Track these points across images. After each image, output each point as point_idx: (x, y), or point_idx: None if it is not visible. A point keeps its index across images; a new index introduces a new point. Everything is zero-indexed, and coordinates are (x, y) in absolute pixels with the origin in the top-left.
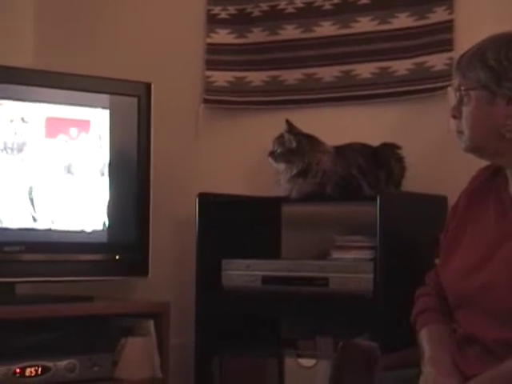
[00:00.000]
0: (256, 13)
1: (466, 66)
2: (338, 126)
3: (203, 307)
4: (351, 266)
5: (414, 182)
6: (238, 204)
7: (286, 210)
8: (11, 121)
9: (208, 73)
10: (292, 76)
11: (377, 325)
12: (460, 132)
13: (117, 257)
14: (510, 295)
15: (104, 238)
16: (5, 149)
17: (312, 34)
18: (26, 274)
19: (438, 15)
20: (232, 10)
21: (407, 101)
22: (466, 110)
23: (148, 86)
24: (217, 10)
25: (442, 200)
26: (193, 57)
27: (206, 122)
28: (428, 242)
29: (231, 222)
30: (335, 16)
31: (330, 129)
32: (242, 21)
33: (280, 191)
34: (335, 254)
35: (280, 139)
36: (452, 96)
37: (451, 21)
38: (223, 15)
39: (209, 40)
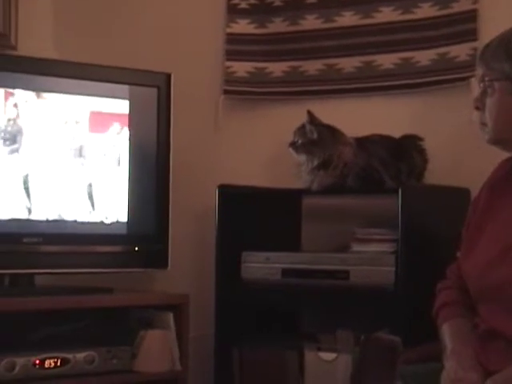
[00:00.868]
0: (277, 3)
1: (490, 56)
2: (359, 117)
3: (223, 300)
4: (373, 259)
5: (436, 174)
6: (258, 196)
7: (307, 202)
8: (30, 111)
9: (228, 63)
10: (313, 67)
11: (398, 318)
12: (483, 124)
13: (136, 248)
14: None
15: (123, 230)
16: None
17: (333, 24)
18: (45, 265)
19: (462, 5)
20: None
21: (430, 92)
22: (489, 102)
23: (168, 76)
24: None
25: (464, 192)
26: (213, 47)
27: (226, 113)
28: (450, 235)
29: (251, 214)
30: (357, 6)
31: (350, 120)
32: (262, 11)
33: (300, 183)
34: (356, 247)
35: (301, 130)
36: (475, 87)
37: (475, 10)
38: (243, 5)
39: (229, 30)
